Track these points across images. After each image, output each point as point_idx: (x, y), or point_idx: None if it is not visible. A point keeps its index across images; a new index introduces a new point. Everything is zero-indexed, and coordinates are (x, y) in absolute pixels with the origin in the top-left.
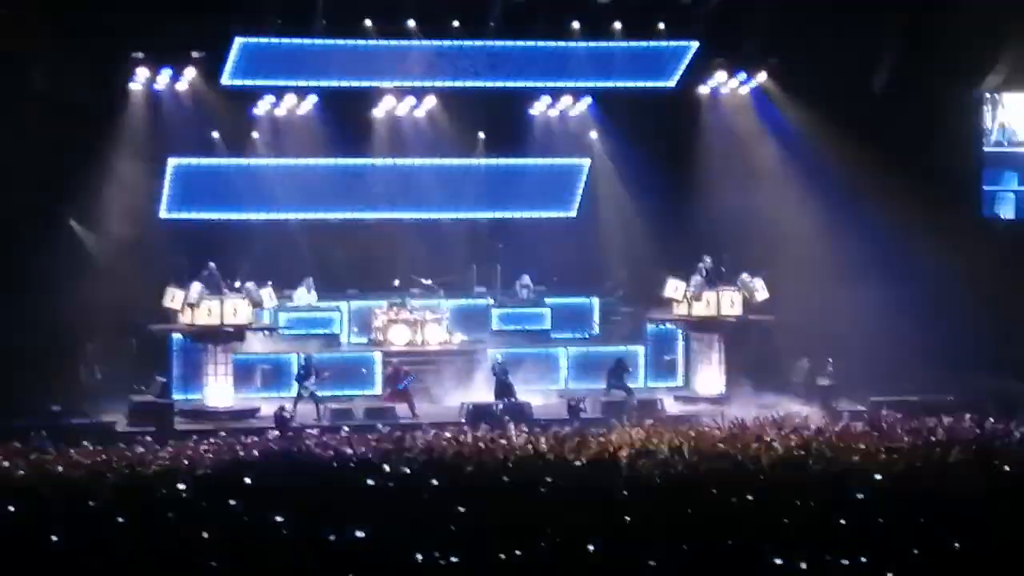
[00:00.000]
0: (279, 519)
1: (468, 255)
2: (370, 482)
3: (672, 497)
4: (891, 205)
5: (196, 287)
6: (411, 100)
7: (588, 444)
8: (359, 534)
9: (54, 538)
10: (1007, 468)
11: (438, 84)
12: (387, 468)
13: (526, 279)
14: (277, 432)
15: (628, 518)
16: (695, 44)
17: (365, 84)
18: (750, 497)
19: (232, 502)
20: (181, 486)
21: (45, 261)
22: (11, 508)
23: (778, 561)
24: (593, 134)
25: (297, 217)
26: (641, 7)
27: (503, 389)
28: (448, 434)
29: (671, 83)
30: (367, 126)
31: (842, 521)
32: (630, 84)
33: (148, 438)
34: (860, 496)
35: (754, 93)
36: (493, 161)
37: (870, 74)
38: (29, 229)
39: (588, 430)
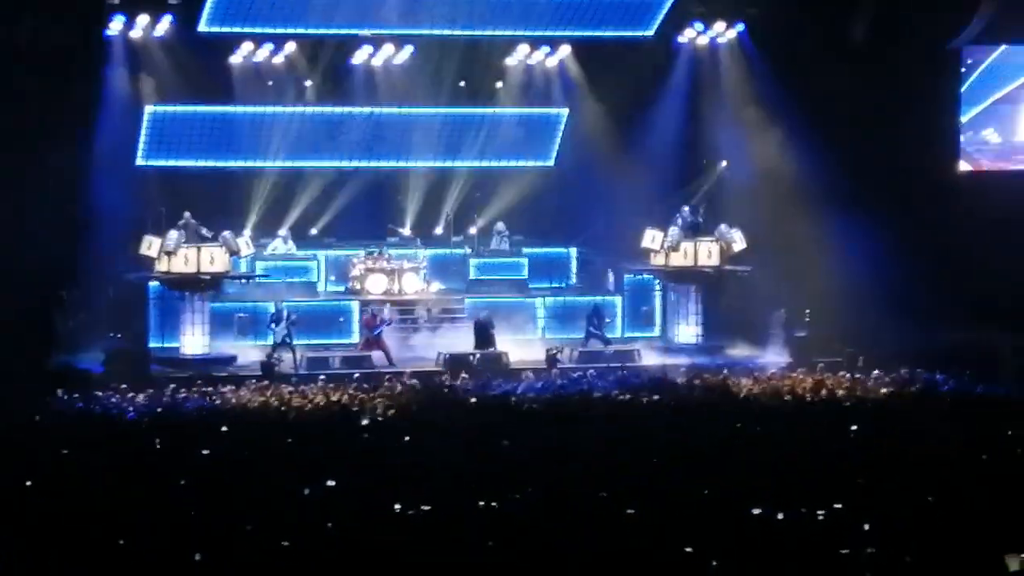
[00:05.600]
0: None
1: (445, 204)
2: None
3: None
4: (868, 158)
5: (173, 235)
6: (389, 48)
7: None
8: (330, 483)
9: None
10: None
11: (416, 32)
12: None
13: (501, 226)
14: (264, 379)
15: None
16: None
17: (343, 32)
18: None
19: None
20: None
21: (19, 209)
22: None
23: None
24: (571, 83)
25: (274, 165)
26: None
27: (483, 340)
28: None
29: (649, 32)
30: (345, 74)
31: None
32: (608, 33)
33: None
34: None
35: (731, 43)
36: (471, 110)
37: (849, 23)
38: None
39: None
